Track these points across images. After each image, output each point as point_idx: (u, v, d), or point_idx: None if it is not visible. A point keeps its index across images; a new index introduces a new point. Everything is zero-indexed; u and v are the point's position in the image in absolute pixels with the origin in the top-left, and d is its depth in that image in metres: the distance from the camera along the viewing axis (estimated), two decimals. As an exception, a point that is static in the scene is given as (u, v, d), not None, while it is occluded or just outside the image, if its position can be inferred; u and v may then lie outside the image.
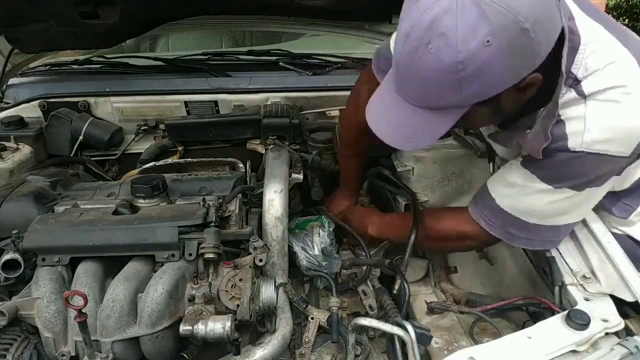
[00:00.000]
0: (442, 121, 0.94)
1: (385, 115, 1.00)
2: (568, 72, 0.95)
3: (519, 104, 0.98)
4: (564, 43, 0.92)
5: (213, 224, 1.18)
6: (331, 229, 1.48)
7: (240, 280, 1.13)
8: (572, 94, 0.97)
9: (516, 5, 0.80)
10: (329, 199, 1.73)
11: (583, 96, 0.96)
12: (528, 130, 1.06)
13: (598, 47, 0.96)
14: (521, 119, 1.09)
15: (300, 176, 1.56)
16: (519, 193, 1.12)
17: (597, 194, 1.11)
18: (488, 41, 0.80)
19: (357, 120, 1.42)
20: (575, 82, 0.97)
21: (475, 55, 0.81)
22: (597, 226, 1.19)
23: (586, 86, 0.96)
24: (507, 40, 0.80)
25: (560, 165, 1.03)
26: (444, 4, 0.81)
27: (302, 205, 1.73)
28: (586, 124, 0.96)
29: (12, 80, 1.93)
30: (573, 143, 0.98)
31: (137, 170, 1.66)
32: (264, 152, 1.70)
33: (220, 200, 1.27)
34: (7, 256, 1.11)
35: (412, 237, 1.33)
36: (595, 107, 0.96)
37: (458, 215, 1.29)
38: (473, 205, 1.24)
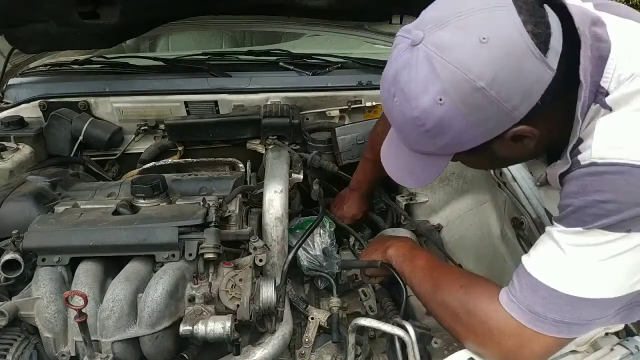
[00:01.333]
0: (435, 164, 0.92)
1: (391, 153, 1.00)
2: (598, 88, 0.80)
3: (525, 153, 0.89)
4: (579, 89, 0.79)
5: (213, 224, 1.18)
6: (332, 229, 1.48)
7: (240, 280, 1.13)
8: (596, 107, 0.81)
9: (469, 63, 0.75)
10: (336, 200, 1.73)
11: (607, 107, 0.80)
12: (558, 161, 0.88)
13: (633, 50, 0.80)
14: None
15: (300, 176, 1.56)
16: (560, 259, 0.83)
17: None
18: (440, 99, 0.77)
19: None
20: (604, 96, 0.80)
21: (430, 112, 0.79)
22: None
23: (612, 96, 0.79)
24: (461, 99, 0.76)
25: (576, 191, 0.81)
26: (404, 58, 0.80)
27: (302, 205, 1.73)
28: (595, 133, 0.79)
29: (12, 80, 1.93)
30: (583, 157, 0.81)
31: (137, 170, 1.66)
32: (264, 152, 1.70)
33: (220, 200, 1.27)
34: (7, 256, 1.11)
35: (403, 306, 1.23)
36: (612, 115, 0.79)
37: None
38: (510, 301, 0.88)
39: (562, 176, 0.86)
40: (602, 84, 0.80)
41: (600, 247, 0.79)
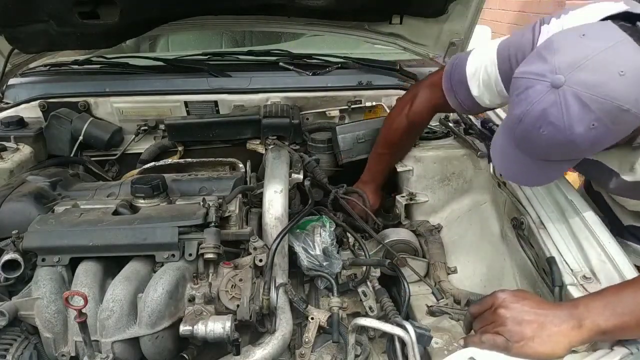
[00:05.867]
0: (560, 167, 1.09)
1: (510, 163, 1.13)
2: None
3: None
4: None
5: (213, 224, 1.18)
6: (332, 228, 1.47)
7: (240, 280, 1.13)
8: None
9: (614, 94, 0.89)
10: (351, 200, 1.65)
11: None
12: None
13: None
14: None
15: (300, 176, 1.56)
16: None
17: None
18: (594, 124, 0.91)
19: (407, 120, 1.53)
20: None
21: (584, 136, 0.92)
22: (597, 226, 1.20)
23: None
24: (611, 120, 0.90)
25: None
26: (549, 99, 0.93)
27: (302, 205, 1.73)
28: None
29: (12, 80, 1.93)
30: None
31: (137, 170, 1.66)
32: (264, 152, 1.70)
33: (220, 200, 1.27)
34: (7, 256, 1.11)
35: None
36: None
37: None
38: None
39: None
40: None
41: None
